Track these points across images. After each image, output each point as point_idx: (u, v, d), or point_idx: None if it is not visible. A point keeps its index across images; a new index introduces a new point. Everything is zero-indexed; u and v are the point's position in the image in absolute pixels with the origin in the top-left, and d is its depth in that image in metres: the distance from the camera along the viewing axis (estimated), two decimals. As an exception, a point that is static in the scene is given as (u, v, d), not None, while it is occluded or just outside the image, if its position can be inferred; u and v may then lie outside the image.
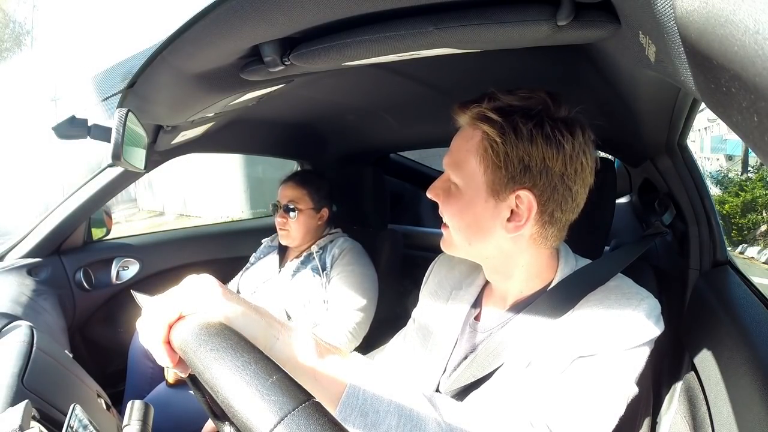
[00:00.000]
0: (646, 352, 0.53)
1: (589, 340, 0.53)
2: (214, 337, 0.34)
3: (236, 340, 0.33)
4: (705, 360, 0.64)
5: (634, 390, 0.53)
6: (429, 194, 0.63)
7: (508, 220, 0.57)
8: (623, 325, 0.53)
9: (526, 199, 0.56)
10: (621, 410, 0.52)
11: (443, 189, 0.62)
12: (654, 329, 0.53)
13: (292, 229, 1.26)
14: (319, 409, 0.27)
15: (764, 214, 5.74)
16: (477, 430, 0.48)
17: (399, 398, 0.45)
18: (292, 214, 1.25)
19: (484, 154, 0.56)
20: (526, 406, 0.51)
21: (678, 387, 0.69)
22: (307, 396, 0.28)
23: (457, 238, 0.61)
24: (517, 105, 0.55)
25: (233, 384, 0.29)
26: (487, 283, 0.69)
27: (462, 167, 0.59)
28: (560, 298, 0.59)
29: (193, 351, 0.33)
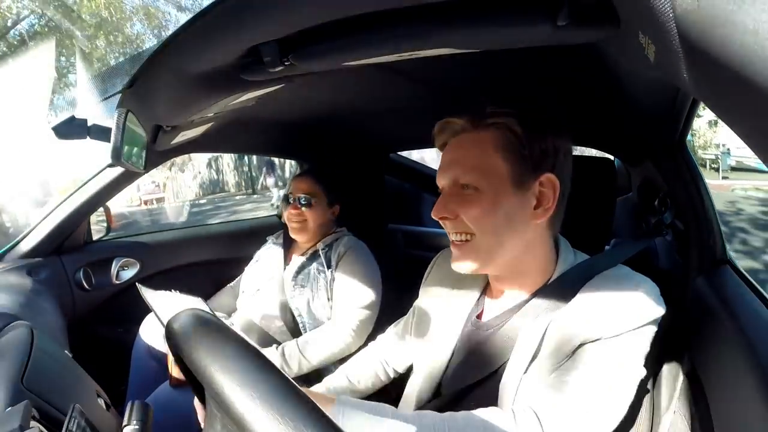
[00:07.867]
0: (651, 331, 0.53)
1: (592, 325, 0.53)
2: None
3: None
4: (705, 360, 0.64)
5: (642, 372, 0.53)
6: (440, 214, 0.61)
7: (535, 207, 0.59)
8: (625, 307, 0.53)
9: (549, 181, 0.59)
10: (632, 394, 0.52)
11: (455, 202, 0.60)
12: (656, 308, 0.53)
13: (309, 221, 1.25)
14: None
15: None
16: None
17: None
18: (305, 207, 1.24)
19: (509, 147, 0.58)
20: (526, 397, 0.51)
21: (678, 387, 0.69)
22: None
23: (486, 242, 0.59)
24: (511, 110, 0.59)
25: None
26: (488, 282, 0.69)
27: (481, 168, 0.58)
28: (561, 290, 0.59)
29: None
